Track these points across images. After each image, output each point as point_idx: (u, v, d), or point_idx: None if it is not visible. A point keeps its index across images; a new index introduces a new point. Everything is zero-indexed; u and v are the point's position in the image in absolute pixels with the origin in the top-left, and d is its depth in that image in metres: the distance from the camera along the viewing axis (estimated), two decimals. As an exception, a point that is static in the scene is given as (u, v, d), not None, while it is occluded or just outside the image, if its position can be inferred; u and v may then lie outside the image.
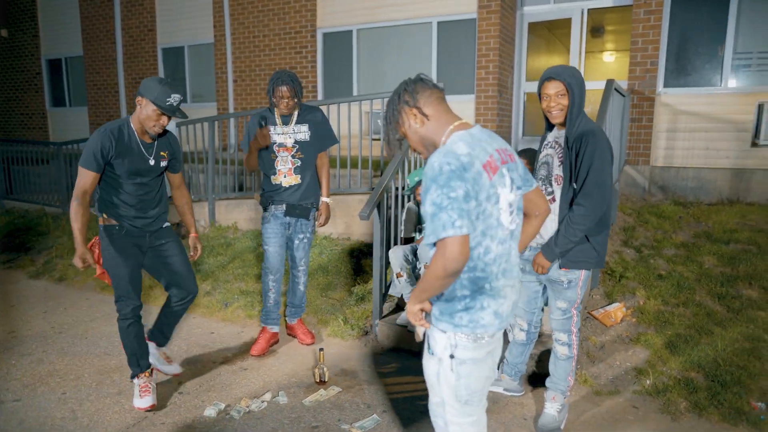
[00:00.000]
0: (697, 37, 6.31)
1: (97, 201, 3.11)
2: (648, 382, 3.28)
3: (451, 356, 1.82)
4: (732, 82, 6.19)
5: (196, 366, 3.68)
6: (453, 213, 1.64)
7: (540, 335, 3.67)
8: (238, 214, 6.50)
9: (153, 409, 3.12)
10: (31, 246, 6.96)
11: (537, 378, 3.41)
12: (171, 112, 2.90)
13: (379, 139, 6.37)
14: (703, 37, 6.28)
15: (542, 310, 3.08)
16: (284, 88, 3.58)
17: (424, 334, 1.96)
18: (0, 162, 9.24)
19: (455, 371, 1.83)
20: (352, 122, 5.85)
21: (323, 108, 6.86)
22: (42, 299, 5.26)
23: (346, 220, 5.80)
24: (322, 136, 3.86)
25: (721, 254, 4.65)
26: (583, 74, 7.56)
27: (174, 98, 2.89)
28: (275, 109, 3.75)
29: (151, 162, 3.07)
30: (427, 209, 1.69)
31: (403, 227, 4.17)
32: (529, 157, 3.51)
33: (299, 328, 4.07)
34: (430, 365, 1.90)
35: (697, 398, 3.08)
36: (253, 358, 3.83)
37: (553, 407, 2.89)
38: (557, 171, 2.68)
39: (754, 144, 6.00)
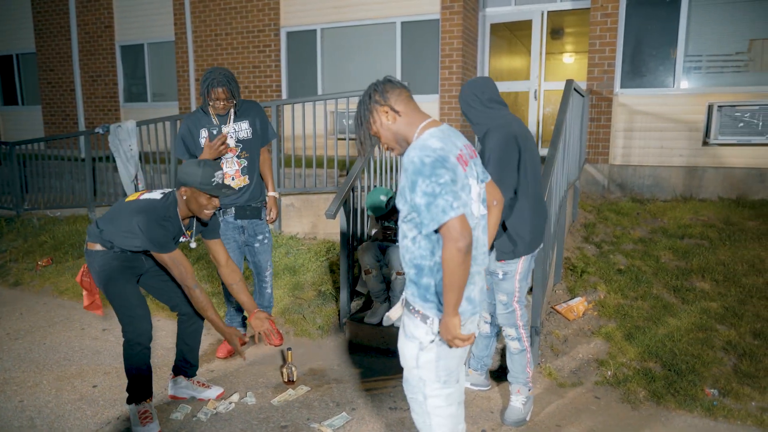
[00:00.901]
0: (651, 39, 6.54)
1: (96, 233, 2.88)
2: (609, 372, 3.40)
3: (432, 341, 1.94)
4: (684, 84, 6.44)
5: (162, 369, 3.61)
6: (448, 197, 1.75)
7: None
8: (201, 214, 6.39)
9: None
10: (-17, 250, 6.68)
11: (503, 372, 3.48)
12: (219, 190, 2.77)
13: (344, 139, 6.35)
14: (657, 39, 6.51)
15: None
16: (219, 90, 3.37)
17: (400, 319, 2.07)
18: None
19: (436, 353, 1.95)
20: (317, 122, 5.83)
21: (287, 108, 6.80)
22: (-5, 305, 5.06)
23: (312, 219, 5.78)
24: (263, 130, 3.68)
25: (676, 249, 4.84)
26: (543, 75, 7.76)
27: (218, 176, 2.77)
28: (209, 108, 3.50)
29: (182, 239, 2.98)
30: (419, 201, 1.79)
31: (368, 226, 4.19)
32: None
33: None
34: (407, 349, 2.00)
35: (655, 387, 3.20)
36: (219, 360, 3.78)
37: (518, 400, 2.96)
38: None
39: (705, 143, 6.26)
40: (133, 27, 10.24)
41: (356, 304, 4.32)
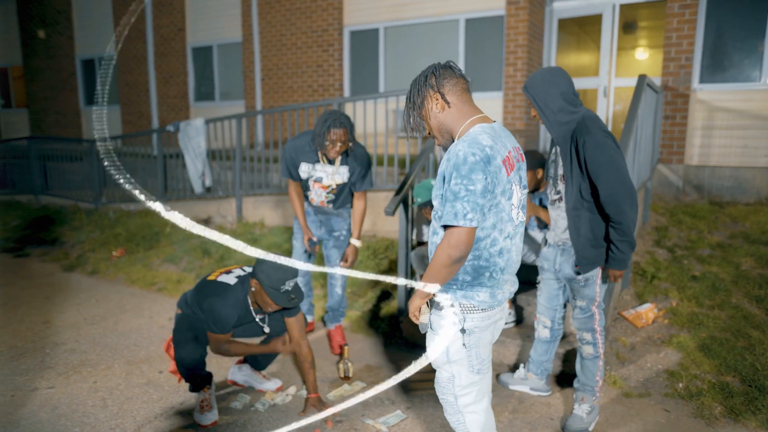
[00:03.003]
0: (735, 31, 6.11)
1: (184, 306, 3.09)
2: (680, 385, 3.19)
3: (462, 330, 1.90)
4: (771, 79, 5.98)
5: (222, 359, 3.71)
6: (467, 205, 1.72)
7: (566, 335, 3.60)
8: (264, 210, 6.55)
9: (216, 425, 2.94)
10: (65, 240, 7.14)
11: (564, 378, 3.35)
12: (285, 298, 2.80)
13: (404, 137, 6.33)
14: (741, 31, 6.07)
15: (564, 306, 3.04)
16: (340, 131, 3.31)
17: (429, 324, 2.03)
18: (37, 159, 9.53)
19: (466, 343, 1.92)
20: (378, 120, 5.84)
21: (349, 105, 6.85)
22: (75, 291, 5.38)
23: (371, 217, 5.79)
24: (361, 177, 3.62)
25: (759, 255, 4.49)
26: (614, 71, 7.42)
27: (288, 284, 2.81)
28: (320, 149, 3.42)
29: (257, 319, 3.07)
30: (445, 193, 1.77)
31: (415, 230, 4.14)
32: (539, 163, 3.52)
33: (335, 336, 3.92)
34: (437, 344, 1.96)
35: (732, 403, 2.97)
36: (278, 352, 3.84)
37: (581, 409, 2.83)
38: (561, 170, 2.68)
39: (794, 142, 5.79)
40: (203, 29, 10.66)
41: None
